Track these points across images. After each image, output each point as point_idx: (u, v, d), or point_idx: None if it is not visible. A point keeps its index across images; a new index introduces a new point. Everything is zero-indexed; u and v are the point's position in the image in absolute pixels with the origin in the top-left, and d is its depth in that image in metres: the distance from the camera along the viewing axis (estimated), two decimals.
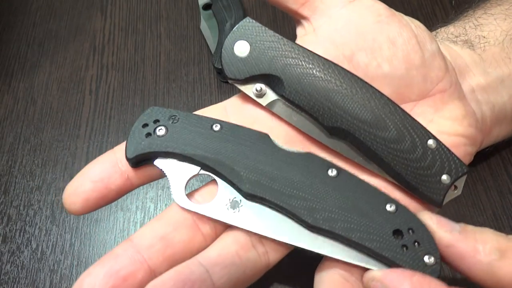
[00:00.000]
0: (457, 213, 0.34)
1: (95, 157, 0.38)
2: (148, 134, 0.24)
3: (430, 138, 0.25)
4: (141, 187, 0.36)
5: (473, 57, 0.30)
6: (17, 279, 0.33)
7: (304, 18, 0.28)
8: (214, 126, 0.24)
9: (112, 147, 0.38)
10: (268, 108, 0.26)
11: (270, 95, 0.25)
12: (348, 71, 0.25)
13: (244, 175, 0.23)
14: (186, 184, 0.24)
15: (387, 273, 0.21)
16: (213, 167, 0.23)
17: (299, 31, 0.29)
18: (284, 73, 0.25)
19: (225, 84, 0.42)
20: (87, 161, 0.38)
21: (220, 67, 0.40)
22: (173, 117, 0.24)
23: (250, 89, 0.25)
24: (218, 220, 0.23)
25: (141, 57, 0.44)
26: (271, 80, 0.25)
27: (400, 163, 0.24)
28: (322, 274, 0.23)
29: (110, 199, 0.24)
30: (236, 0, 0.42)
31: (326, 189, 0.23)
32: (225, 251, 0.23)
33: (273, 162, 0.23)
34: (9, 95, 0.42)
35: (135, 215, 0.36)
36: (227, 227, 0.24)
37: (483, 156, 0.37)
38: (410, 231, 0.22)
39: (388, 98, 0.25)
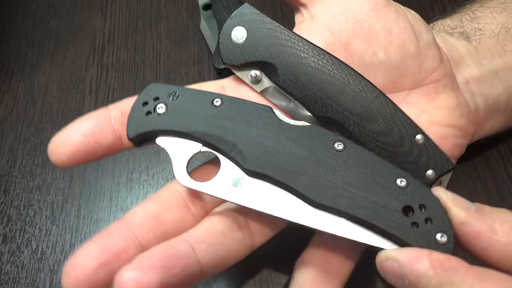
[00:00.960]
0: None
1: None
2: (148, 113, 0.24)
3: (418, 133, 0.25)
4: (141, 187, 0.36)
5: (469, 48, 0.30)
6: (17, 279, 0.33)
7: (302, 5, 0.28)
8: (215, 101, 0.23)
9: None
10: (263, 94, 0.26)
11: (265, 82, 0.26)
12: (342, 62, 0.25)
13: (246, 152, 0.22)
14: (188, 162, 0.23)
15: (403, 251, 0.20)
16: (215, 144, 0.23)
17: (297, 18, 0.29)
18: (279, 61, 0.25)
19: None
20: None
21: (221, 67, 0.40)
22: (173, 93, 0.24)
23: (246, 75, 0.26)
24: (216, 198, 0.22)
25: (141, 57, 0.44)
26: (266, 67, 0.25)
27: (387, 156, 0.24)
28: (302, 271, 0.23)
29: (98, 155, 0.24)
30: (236, 0, 0.42)
31: (332, 164, 0.21)
32: (211, 230, 0.23)
33: (276, 136, 0.22)
34: (9, 95, 0.42)
35: None
36: (216, 207, 0.25)
37: (483, 156, 0.37)
38: (422, 207, 0.20)
39: (380, 91, 0.25)
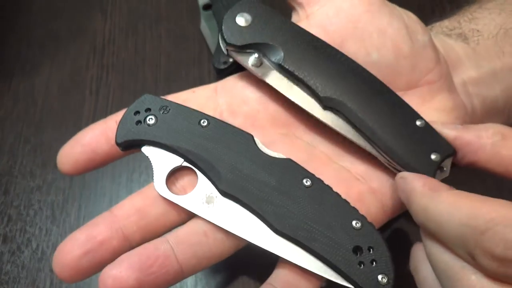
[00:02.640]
0: None
1: None
2: (139, 122, 0.25)
3: (418, 118, 0.25)
4: (141, 188, 0.36)
5: (466, 50, 0.30)
6: (17, 279, 0.33)
7: (299, 4, 0.29)
8: (202, 122, 0.25)
9: None
10: (263, 78, 0.26)
11: (267, 65, 0.26)
12: (342, 53, 0.26)
13: (222, 173, 0.24)
14: (169, 174, 0.25)
15: (411, 174, 0.24)
16: (195, 161, 0.24)
17: (294, 17, 0.30)
18: (284, 43, 0.26)
19: None
20: None
21: (221, 67, 0.40)
22: (164, 107, 0.25)
23: (246, 58, 0.26)
24: (191, 211, 0.24)
25: (141, 57, 0.44)
26: (269, 49, 0.26)
27: (393, 137, 0.24)
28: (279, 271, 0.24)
29: (97, 163, 0.26)
30: (236, 1, 0.42)
31: (298, 197, 0.23)
32: (193, 230, 0.24)
33: (252, 164, 0.24)
34: (9, 96, 0.42)
35: None
36: None
37: None
38: (370, 249, 0.23)
39: (378, 79, 0.26)
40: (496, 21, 0.31)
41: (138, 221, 0.24)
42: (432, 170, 0.25)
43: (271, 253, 0.23)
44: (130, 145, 0.25)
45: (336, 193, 0.24)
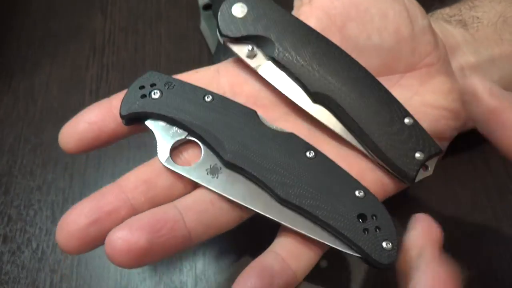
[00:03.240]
0: (457, 212, 0.34)
1: (95, 158, 0.38)
2: (143, 96, 0.25)
3: (407, 115, 0.25)
4: None
5: (466, 36, 0.31)
6: (17, 279, 0.33)
7: None
8: (206, 97, 0.25)
9: (112, 147, 0.38)
10: (256, 70, 0.26)
11: (260, 57, 0.26)
12: (337, 46, 0.26)
13: (227, 145, 0.24)
14: (172, 146, 0.25)
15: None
16: (200, 133, 0.25)
17: (296, 2, 0.30)
18: (278, 36, 0.26)
19: None
20: (87, 161, 0.38)
21: None
22: (169, 83, 0.26)
23: (241, 49, 0.26)
24: (196, 181, 0.24)
25: (141, 57, 0.44)
26: (263, 42, 0.26)
27: (378, 134, 0.24)
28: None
29: (102, 141, 0.26)
30: None
31: (301, 168, 0.24)
32: (200, 198, 0.24)
33: (256, 136, 0.24)
34: (9, 95, 0.42)
35: None
36: None
37: (483, 156, 0.37)
38: (374, 217, 0.23)
39: (371, 74, 0.26)
40: (496, 9, 0.32)
41: (145, 192, 0.24)
42: (414, 169, 0.25)
43: (276, 223, 0.24)
44: (134, 118, 0.25)
45: (338, 165, 0.24)
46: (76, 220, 0.23)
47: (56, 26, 0.46)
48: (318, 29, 0.27)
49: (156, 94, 0.25)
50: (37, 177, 0.37)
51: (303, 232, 0.23)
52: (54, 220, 0.35)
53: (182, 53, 0.44)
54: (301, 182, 0.23)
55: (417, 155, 0.25)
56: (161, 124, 0.25)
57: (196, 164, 0.25)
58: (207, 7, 0.43)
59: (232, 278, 0.33)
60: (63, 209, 0.36)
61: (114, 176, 0.37)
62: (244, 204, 0.24)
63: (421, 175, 0.26)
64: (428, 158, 0.25)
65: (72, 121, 0.26)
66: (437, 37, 0.29)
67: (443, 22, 0.32)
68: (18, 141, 0.39)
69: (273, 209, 0.24)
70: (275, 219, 0.24)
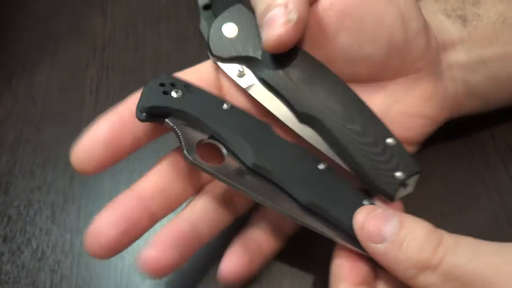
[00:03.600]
0: (457, 213, 0.34)
1: None
2: (165, 92, 0.25)
3: (390, 136, 0.26)
4: None
5: (462, 34, 0.30)
6: (17, 279, 0.33)
7: None
8: (225, 104, 0.26)
9: None
10: (246, 90, 0.26)
11: (250, 77, 0.26)
12: (324, 66, 0.26)
13: (249, 151, 0.24)
14: (196, 145, 0.25)
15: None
16: (224, 136, 0.25)
17: None
18: (266, 57, 0.26)
19: None
20: None
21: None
22: (188, 86, 0.25)
23: (232, 69, 0.26)
24: (224, 181, 0.24)
25: (141, 57, 0.44)
26: (253, 62, 0.26)
27: (362, 155, 0.25)
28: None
29: (121, 156, 0.27)
30: (236, 1, 0.42)
31: (316, 178, 0.25)
32: (207, 208, 0.27)
33: (272, 145, 0.25)
34: (9, 95, 0.42)
35: None
36: (210, 181, 0.28)
37: (483, 156, 0.37)
38: None
39: (357, 96, 0.26)
40: (498, 8, 0.31)
41: (163, 201, 0.26)
42: (394, 188, 0.25)
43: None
44: (154, 113, 0.24)
45: (346, 180, 0.26)
46: (105, 232, 0.25)
47: (56, 26, 0.46)
48: (309, 40, 0.26)
49: (177, 94, 0.25)
50: (37, 177, 0.37)
51: (319, 230, 0.25)
52: (54, 220, 0.35)
53: (182, 53, 0.44)
54: (316, 191, 0.25)
55: (398, 174, 0.25)
56: (182, 124, 0.25)
57: (223, 164, 0.25)
58: (207, 7, 0.43)
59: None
60: (63, 209, 0.36)
61: (114, 176, 0.37)
62: (272, 206, 0.24)
63: (401, 192, 0.26)
64: (408, 177, 0.26)
65: (84, 141, 0.25)
66: (430, 37, 0.28)
67: (443, 16, 0.31)
68: (18, 141, 0.39)
69: (296, 212, 0.25)
70: (303, 220, 0.25)
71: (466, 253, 0.21)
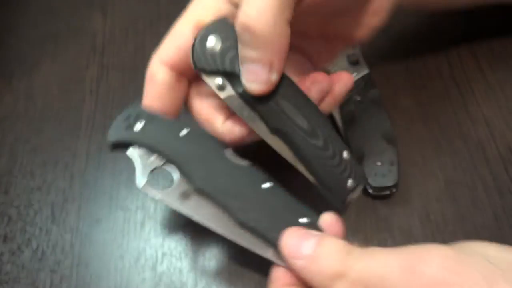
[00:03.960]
0: (457, 213, 0.35)
1: (95, 157, 0.38)
2: (129, 126, 0.28)
3: (345, 150, 0.29)
4: None
5: None
6: (17, 279, 0.33)
7: None
8: (182, 131, 0.28)
9: None
10: (225, 101, 0.28)
11: (229, 90, 0.27)
12: (296, 85, 0.28)
13: (198, 173, 0.27)
14: (150, 172, 0.28)
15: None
16: (176, 162, 0.28)
17: None
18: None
19: None
20: (87, 161, 0.38)
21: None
22: (152, 116, 0.28)
23: (212, 81, 0.27)
24: (168, 204, 0.27)
25: (141, 57, 0.44)
26: (232, 77, 0.27)
27: (322, 166, 0.29)
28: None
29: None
30: None
31: (258, 197, 0.28)
32: None
33: (222, 168, 0.28)
34: (9, 95, 0.42)
35: (135, 215, 0.36)
36: None
37: (483, 156, 0.37)
38: None
39: (323, 113, 0.29)
40: None
41: None
42: (345, 193, 0.30)
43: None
44: (118, 145, 0.28)
45: (291, 196, 0.28)
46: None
47: (56, 26, 0.46)
48: None
49: (139, 125, 0.28)
50: (37, 177, 0.37)
51: (257, 252, 0.27)
52: (54, 220, 0.35)
53: None
54: (256, 209, 0.27)
55: (349, 182, 0.29)
56: (142, 151, 0.28)
57: (170, 189, 0.27)
58: None
59: (232, 279, 0.33)
60: (63, 209, 0.36)
61: (114, 176, 0.37)
62: (208, 225, 0.27)
63: (351, 196, 0.30)
64: (357, 185, 0.30)
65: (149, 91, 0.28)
66: None
67: None
68: (18, 141, 0.39)
69: (232, 230, 0.27)
70: (234, 240, 0.27)
71: (369, 260, 0.23)
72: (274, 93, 0.27)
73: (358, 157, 0.35)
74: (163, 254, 0.34)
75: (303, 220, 0.27)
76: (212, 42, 0.27)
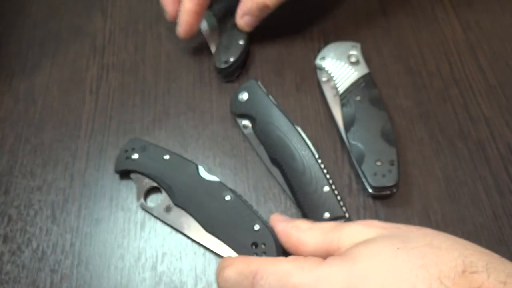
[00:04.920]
0: (458, 213, 0.35)
1: (95, 157, 0.38)
2: (127, 157, 0.36)
3: (326, 185, 0.34)
4: None
5: None
6: (18, 279, 0.33)
7: None
8: (165, 156, 0.36)
9: (113, 147, 0.39)
10: (247, 136, 0.38)
11: (250, 130, 0.38)
12: (296, 129, 0.36)
13: (176, 191, 0.35)
14: (145, 192, 0.36)
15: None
16: (160, 183, 0.35)
17: None
18: (259, 118, 0.37)
19: (225, 84, 0.42)
20: (87, 161, 0.38)
21: (222, 67, 0.40)
22: (144, 147, 0.37)
23: (240, 121, 0.39)
24: (156, 216, 0.35)
25: (141, 57, 0.44)
26: (252, 119, 0.38)
27: (305, 197, 0.34)
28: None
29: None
30: (236, 1, 0.42)
31: (220, 208, 0.33)
32: None
33: (194, 185, 0.35)
34: (9, 96, 0.42)
35: (135, 215, 0.36)
36: None
37: (483, 156, 0.37)
38: (263, 245, 0.31)
39: (312, 152, 0.35)
40: None
41: None
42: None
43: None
44: (123, 173, 0.37)
45: (248, 203, 0.33)
46: None
47: (56, 27, 0.46)
48: None
49: (135, 156, 0.36)
50: (37, 177, 0.38)
51: (221, 253, 0.33)
52: (55, 220, 0.35)
53: (182, 53, 0.44)
54: (218, 219, 0.33)
55: (326, 214, 0.33)
56: (139, 175, 0.36)
57: (157, 204, 0.35)
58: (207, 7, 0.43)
59: None
60: (64, 209, 0.36)
61: (115, 176, 0.37)
62: (186, 233, 0.34)
63: None
64: (334, 219, 0.33)
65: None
66: None
67: None
68: (18, 141, 0.39)
69: (205, 236, 0.33)
70: (205, 245, 0.33)
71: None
72: (275, 133, 0.36)
73: (358, 157, 0.35)
74: (163, 254, 0.34)
75: (256, 227, 0.32)
76: (243, 95, 0.38)
